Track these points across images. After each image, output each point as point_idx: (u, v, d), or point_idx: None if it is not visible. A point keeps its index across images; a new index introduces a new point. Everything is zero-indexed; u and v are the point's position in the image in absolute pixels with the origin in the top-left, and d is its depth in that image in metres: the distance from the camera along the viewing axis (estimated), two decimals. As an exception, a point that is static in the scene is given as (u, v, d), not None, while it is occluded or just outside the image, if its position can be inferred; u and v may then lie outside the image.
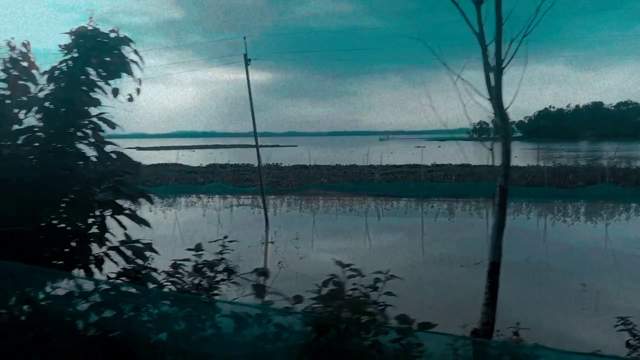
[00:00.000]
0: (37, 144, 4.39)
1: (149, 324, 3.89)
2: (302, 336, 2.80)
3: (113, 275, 4.35)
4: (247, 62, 24.23)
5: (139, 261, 4.38)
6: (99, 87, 4.44)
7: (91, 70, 4.39)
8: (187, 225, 21.08)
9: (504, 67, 5.25)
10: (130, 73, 4.43)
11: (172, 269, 4.59)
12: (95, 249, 4.45)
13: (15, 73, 4.50)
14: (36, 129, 4.41)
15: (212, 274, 4.17)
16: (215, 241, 4.49)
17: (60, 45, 4.31)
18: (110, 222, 4.58)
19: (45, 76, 4.45)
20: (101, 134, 4.52)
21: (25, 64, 4.53)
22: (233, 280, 4.22)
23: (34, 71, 4.59)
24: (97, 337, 3.97)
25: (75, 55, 4.33)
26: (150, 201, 4.66)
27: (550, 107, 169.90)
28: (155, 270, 4.40)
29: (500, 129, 5.56)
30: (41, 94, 4.47)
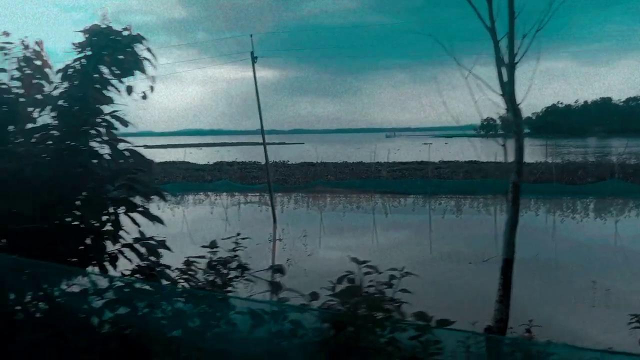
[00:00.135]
0: (51, 142, 4.42)
1: (163, 321, 3.90)
2: (319, 333, 2.80)
3: (128, 273, 4.37)
4: (254, 59, 24.22)
5: (153, 258, 4.40)
6: (112, 85, 4.46)
7: (104, 69, 4.41)
8: (196, 223, 21.16)
9: (516, 62, 5.21)
10: (143, 71, 4.45)
11: (184, 266, 4.61)
12: (109, 246, 4.48)
13: (29, 72, 4.53)
14: (50, 127, 4.44)
15: (225, 271, 4.18)
16: (228, 238, 4.50)
17: (73, 44, 4.34)
18: (122, 220, 4.60)
19: (58, 75, 4.48)
20: (114, 131, 4.54)
21: (38, 62, 4.56)
22: (246, 278, 4.24)
23: (46, 70, 4.62)
24: (111, 334, 4.00)
25: (89, 53, 4.35)
26: (164, 198, 4.68)
27: (558, 103, 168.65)
28: (169, 267, 4.42)
29: (513, 125, 5.52)
30: (55, 92, 4.50)
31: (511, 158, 5.85)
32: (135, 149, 4.50)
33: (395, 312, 2.85)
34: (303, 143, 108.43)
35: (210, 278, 4.19)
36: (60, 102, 4.40)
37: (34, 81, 4.50)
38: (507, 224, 5.72)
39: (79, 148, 4.39)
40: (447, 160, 43.33)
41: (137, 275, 4.32)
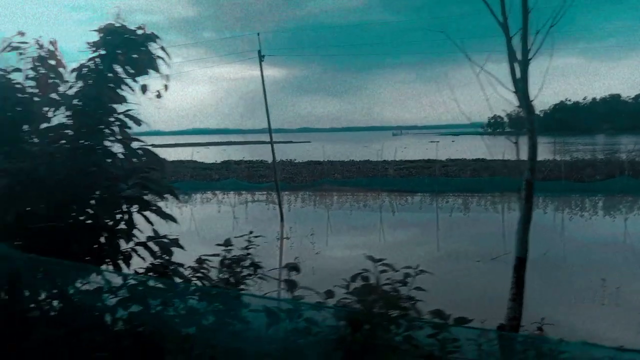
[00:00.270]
0: (65, 142, 4.45)
1: (177, 319, 3.92)
2: (335, 331, 2.80)
3: (141, 271, 4.39)
4: (261, 58, 24.24)
5: (166, 257, 4.42)
6: (126, 84, 4.48)
7: (118, 68, 4.43)
8: (204, 222, 21.25)
9: (530, 59, 5.18)
10: (157, 69, 4.46)
11: (196, 265, 4.63)
12: (122, 245, 4.50)
13: (43, 71, 4.56)
14: (65, 127, 4.46)
15: (238, 270, 4.19)
16: (241, 236, 4.52)
17: (88, 43, 4.36)
18: (134, 218, 4.63)
19: (73, 74, 4.50)
20: (127, 130, 4.57)
21: (52, 62, 4.59)
22: (259, 276, 4.25)
23: (60, 69, 4.65)
24: (125, 332, 4.02)
25: (103, 52, 4.38)
26: (177, 197, 4.70)
27: (566, 100, 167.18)
28: (182, 265, 4.44)
29: (526, 122, 5.49)
30: (70, 92, 4.52)
31: (523, 155, 5.82)
32: (149, 147, 4.53)
33: (411, 310, 2.84)
34: (309, 142, 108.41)
35: (224, 276, 4.20)
36: (75, 102, 4.42)
37: (49, 81, 4.53)
38: (520, 222, 5.69)
39: (93, 147, 4.41)
40: (455, 158, 43.17)
41: (151, 274, 4.34)
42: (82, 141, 4.39)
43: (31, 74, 4.62)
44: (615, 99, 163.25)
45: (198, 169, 41.03)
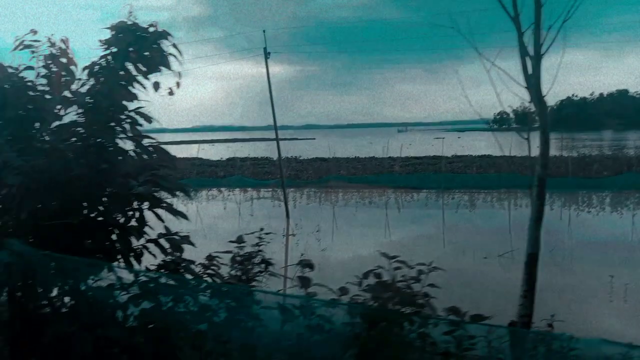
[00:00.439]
0: (76, 139, 4.47)
1: (188, 315, 3.94)
2: (350, 327, 2.80)
3: (153, 268, 4.41)
4: (266, 55, 24.24)
5: (177, 254, 4.43)
6: (138, 82, 4.49)
7: (130, 65, 4.44)
8: (210, 219, 21.32)
9: (543, 54, 5.15)
10: (169, 67, 4.47)
11: (207, 262, 4.65)
12: (134, 242, 4.52)
13: (55, 69, 4.58)
14: (77, 124, 4.48)
15: (250, 266, 4.21)
16: (251, 233, 4.53)
17: (100, 40, 4.37)
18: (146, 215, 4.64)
19: (85, 72, 4.52)
20: (138, 128, 4.58)
21: (64, 60, 4.61)
22: (270, 272, 4.26)
23: (71, 67, 4.67)
24: (137, 328, 4.05)
25: (114, 50, 4.38)
26: (188, 194, 4.71)
27: (573, 95, 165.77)
28: (193, 262, 4.45)
29: (539, 118, 5.46)
30: (82, 89, 4.54)
31: (534, 152, 5.80)
32: (160, 145, 4.54)
33: (427, 307, 2.84)
34: (314, 138, 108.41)
35: (236, 273, 4.22)
36: (87, 99, 4.44)
37: (62, 79, 4.55)
38: (531, 219, 5.67)
39: (104, 145, 4.43)
40: (460, 155, 43.04)
41: (162, 271, 4.35)
42: (94, 139, 4.41)
43: (43, 72, 4.64)
44: (622, 94, 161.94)
45: (204, 166, 41.12)
